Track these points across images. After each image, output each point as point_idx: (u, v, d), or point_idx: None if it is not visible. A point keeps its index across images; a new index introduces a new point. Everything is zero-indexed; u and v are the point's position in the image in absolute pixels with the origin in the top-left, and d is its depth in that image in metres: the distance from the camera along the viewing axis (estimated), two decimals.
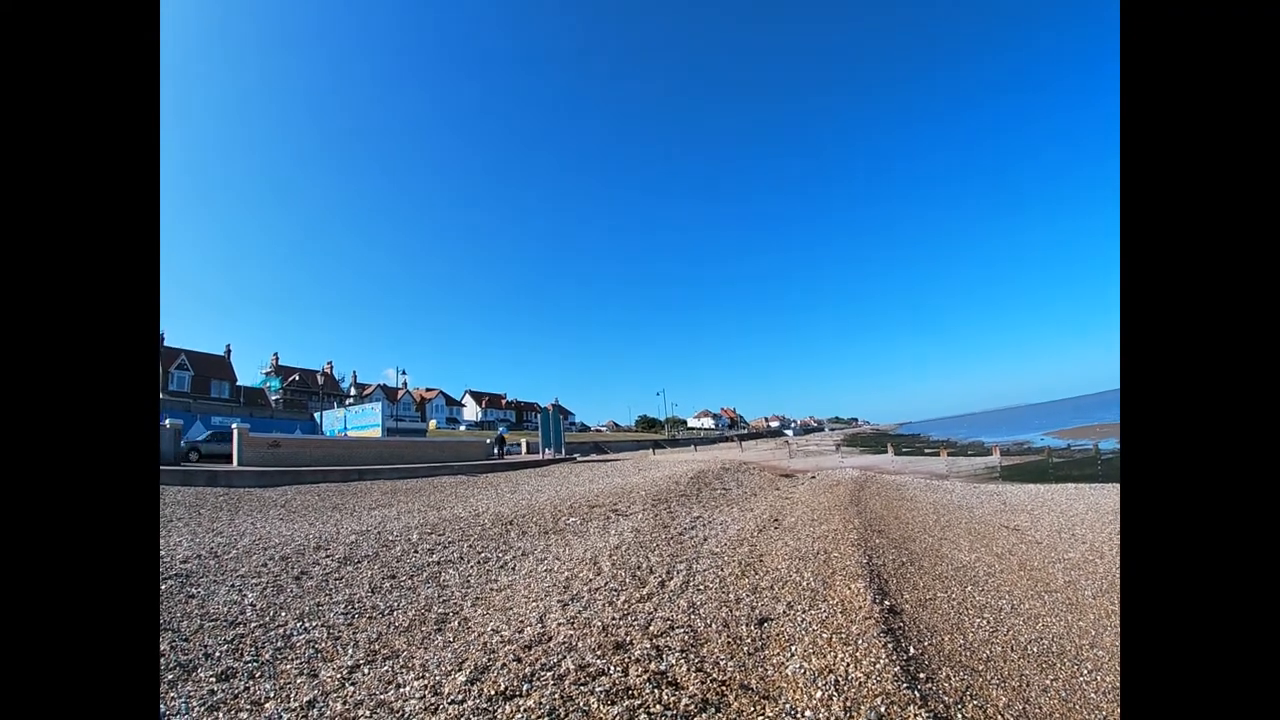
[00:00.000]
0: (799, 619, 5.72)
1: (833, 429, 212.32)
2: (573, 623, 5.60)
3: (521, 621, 5.71)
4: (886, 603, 6.18)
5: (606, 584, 6.95)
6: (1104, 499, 15.59)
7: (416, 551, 8.83)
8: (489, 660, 4.76)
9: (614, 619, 5.69)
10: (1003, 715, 4.30)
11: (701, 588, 6.84)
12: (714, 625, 5.57)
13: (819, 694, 4.21)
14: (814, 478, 21.51)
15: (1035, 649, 5.60)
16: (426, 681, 4.43)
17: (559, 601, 6.31)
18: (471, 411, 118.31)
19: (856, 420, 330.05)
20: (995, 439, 59.96)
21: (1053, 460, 25.36)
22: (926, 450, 41.68)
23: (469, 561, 8.37)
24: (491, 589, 7.06)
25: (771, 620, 5.72)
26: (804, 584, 6.89)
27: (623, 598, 6.41)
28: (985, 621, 6.19)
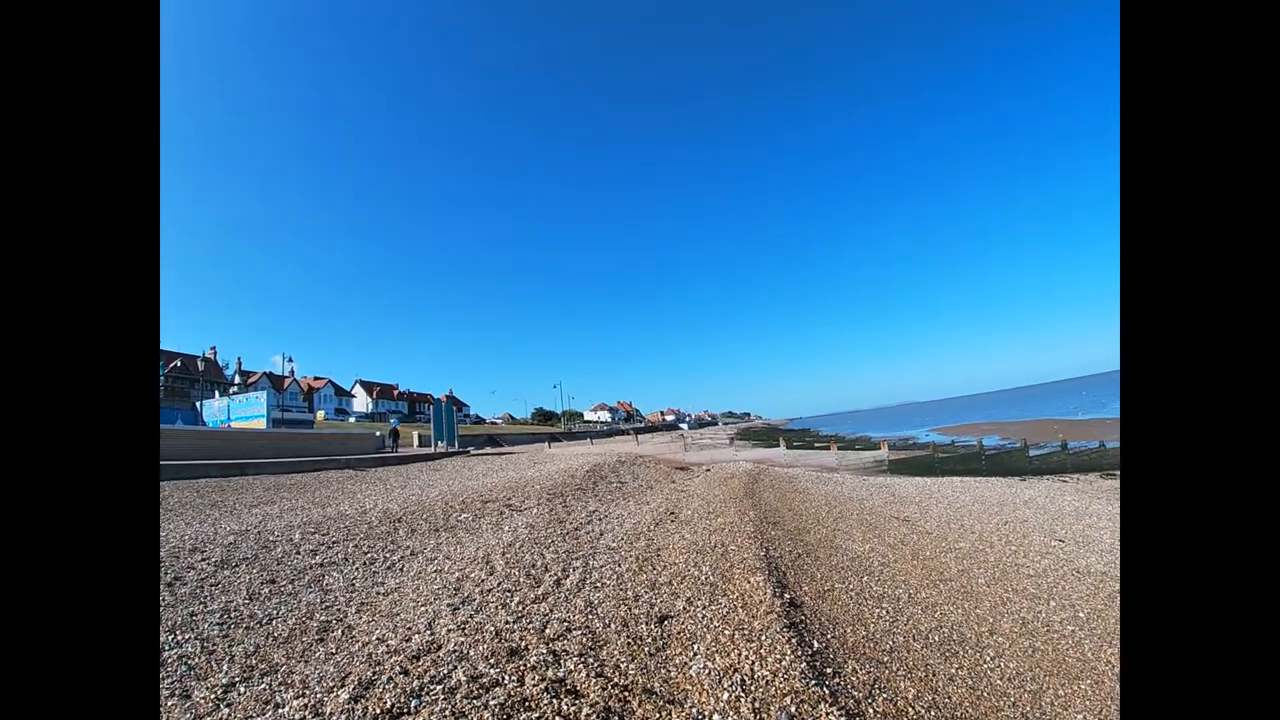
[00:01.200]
0: (700, 615, 5.49)
1: (726, 423, 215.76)
2: (464, 628, 5.20)
3: (409, 628, 5.27)
4: (786, 596, 6.03)
5: (499, 584, 6.54)
6: (988, 492, 16.25)
7: (299, 553, 8.15)
8: (374, 674, 4.29)
9: (508, 622, 5.32)
10: (913, 707, 4.18)
11: (599, 585, 6.53)
12: (613, 625, 5.27)
13: (726, 695, 3.96)
14: (709, 470, 21.54)
15: (936, 638, 5.59)
16: (307, 700, 3.92)
17: (449, 605, 5.89)
18: (362, 402, 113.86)
19: (749, 415, 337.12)
20: (882, 434, 62.25)
21: (938, 455, 26.29)
22: (817, 444, 42.75)
23: (354, 563, 7.79)
24: (378, 593, 6.56)
25: (672, 618, 5.46)
26: (703, 578, 6.69)
27: (517, 599, 6.03)
28: (885, 611, 6.16)
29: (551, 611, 5.65)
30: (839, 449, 32.74)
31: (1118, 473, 22.51)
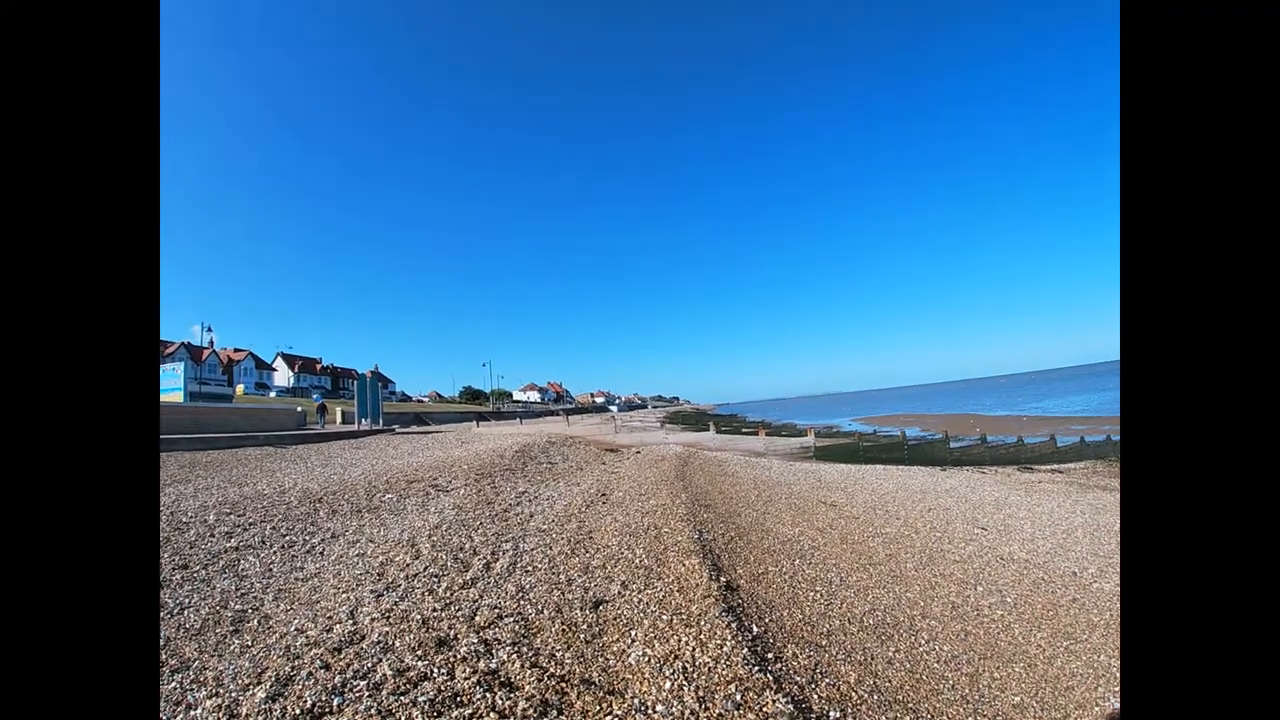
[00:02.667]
0: (636, 600, 5.33)
1: (656, 406, 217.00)
2: (389, 617, 4.92)
3: (331, 618, 4.95)
4: (723, 579, 5.93)
5: (426, 569, 6.25)
6: (911, 480, 16.58)
7: (213, 535, 7.66)
8: (293, 669, 3.95)
9: (435, 610, 5.05)
10: (856, 691, 4.11)
11: (530, 569, 6.30)
12: (546, 611, 5.05)
13: (668, 684, 3.79)
14: (639, 453, 21.44)
15: (871, 621, 5.58)
16: (221, 700, 3.57)
17: (372, 592, 5.58)
18: (283, 376, 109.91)
19: (678, 399, 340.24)
20: (808, 421, 63.37)
21: (862, 444, 26.81)
22: (744, 429, 43.20)
23: (272, 546, 7.36)
24: (297, 579, 6.18)
25: (607, 602, 5.27)
26: (637, 561, 6.54)
27: (444, 584, 5.76)
28: (819, 595, 6.13)
29: (481, 597, 5.43)
30: (767, 435, 33.09)
31: (1035, 466, 23.36)
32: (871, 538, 9.08)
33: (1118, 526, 10.65)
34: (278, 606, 5.40)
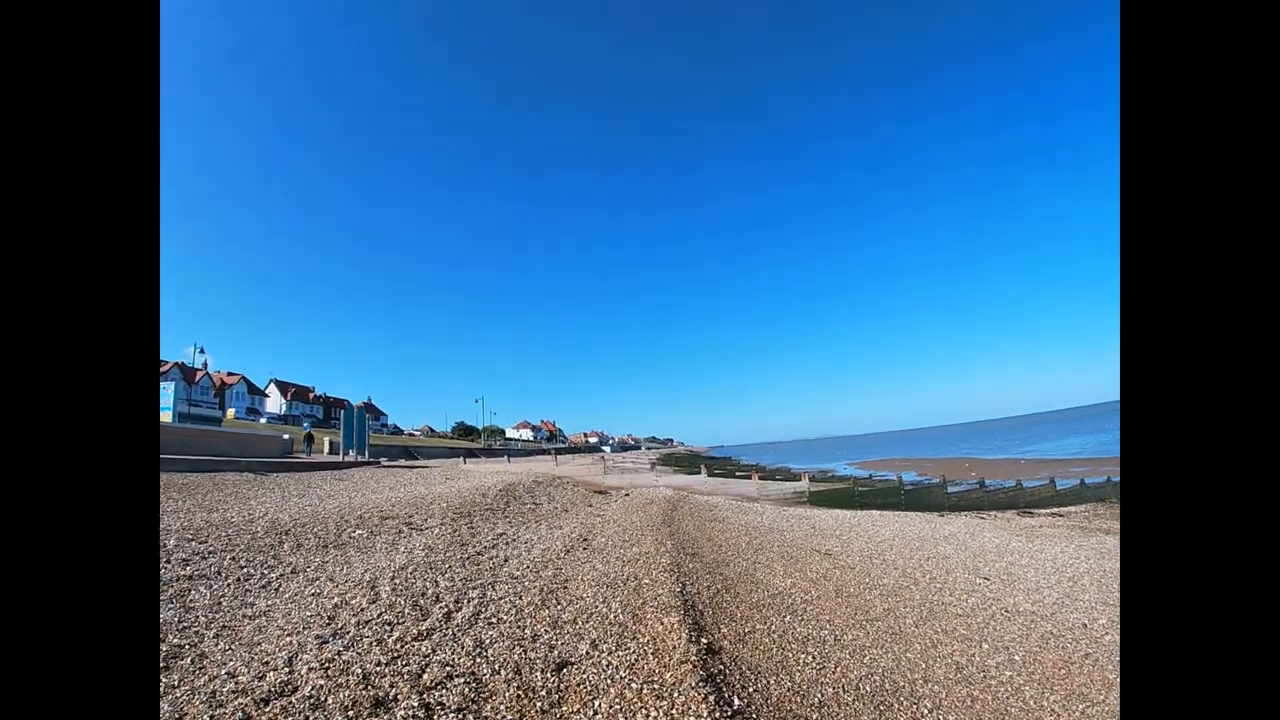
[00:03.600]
0: (604, 662, 4.76)
1: (649, 448, 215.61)
2: (328, 668, 4.37)
3: (266, 663, 4.42)
4: (704, 640, 5.36)
5: (380, 615, 5.68)
6: (908, 526, 16.04)
7: (169, 562, 7.10)
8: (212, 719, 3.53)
9: (380, 663, 4.50)
10: None
11: (493, 621, 5.72)
12: (504, 672, 4.48)
13: None
14: (628, 495, 20.87)
15: (868, 687, 5.06)
16: None
17: (317, 637, 5.04)
18: (275, 403, 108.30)
19: (672, 441, 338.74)
20: (802, 465, 62.70)
21: (858, 488, 26.23)
22: (738, 473, 42.54)
23: (227, 578, 6.82)
24: (244, 615, 5.64)
25: (573, 664, 4.70)
26: (611, 617, 5.97)
27: (396, 634, 5.20)
28: (810, 657, 5.57)
29: (434, 652, 4.87)
30: (760, 479, 32.48)
31: (1035, 510, 22.83)
32: (868, 589, 8.55)
33: None
34: (216, 645, 4.92)
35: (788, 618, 6.77)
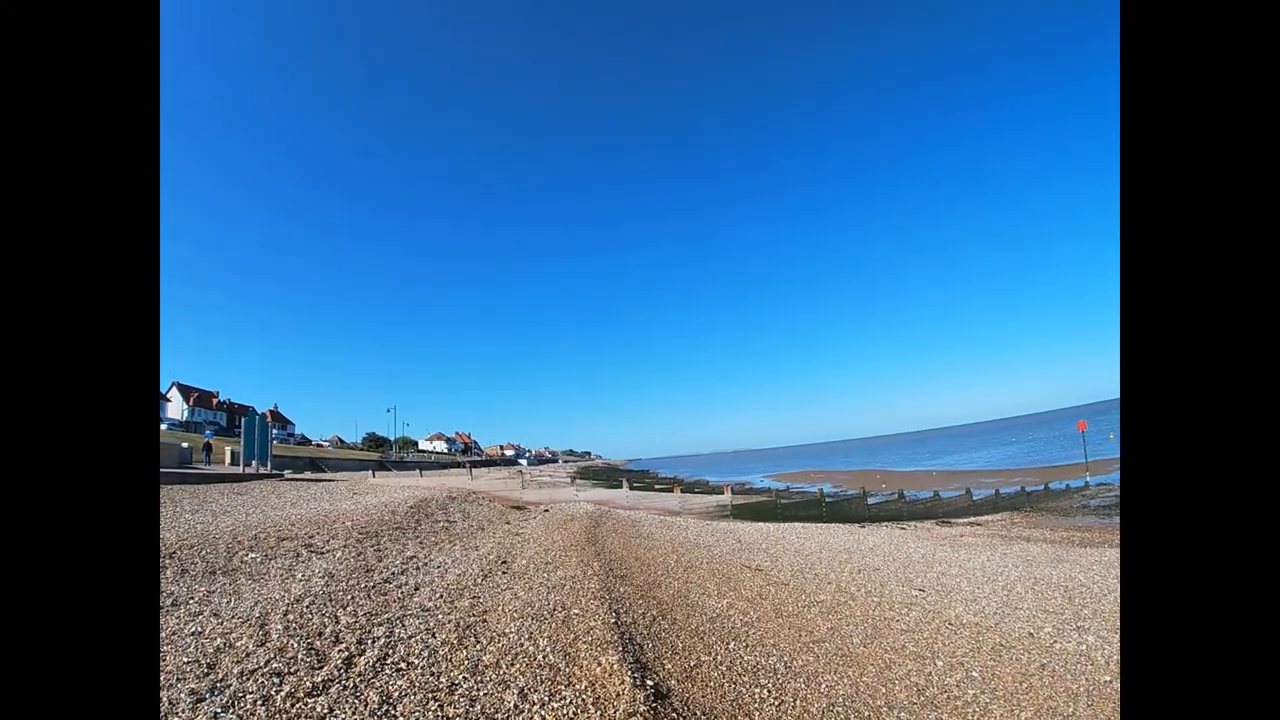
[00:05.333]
0: (537, 718, 4.08)
1: (567, 461, 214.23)
2: None
3: None
4: (649, 682, 4.67)
5: (269, 662, 4.75)
6: (833, 538, 15.84)
7: None
8: None
9: None
10: None
11: (403, 667, 4.87)
12: None
13: None
14: (548, 511, 20.01)
15: None
16: None
17: (191, 693, 4.14)
18: (176, 408, 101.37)
19: (590, 454, 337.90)
20: (720, 478, 62.79)
21: (780, 501, 26.10)
22: (659, 486, 42.16)
23: None
24: None
25: None
26: (540, 657, 5.20)
27: (287, 687, 4.31)
28: (766, 691, 5.03)
29: (331, 711, 4.02)
30: (682, 492, 32.11)
31: (953, 520, 23.06)
32: (807, 608, 8.14)
33: (1056, 579, 10.48)
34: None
35: (732, 644, 6.20)
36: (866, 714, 4.76)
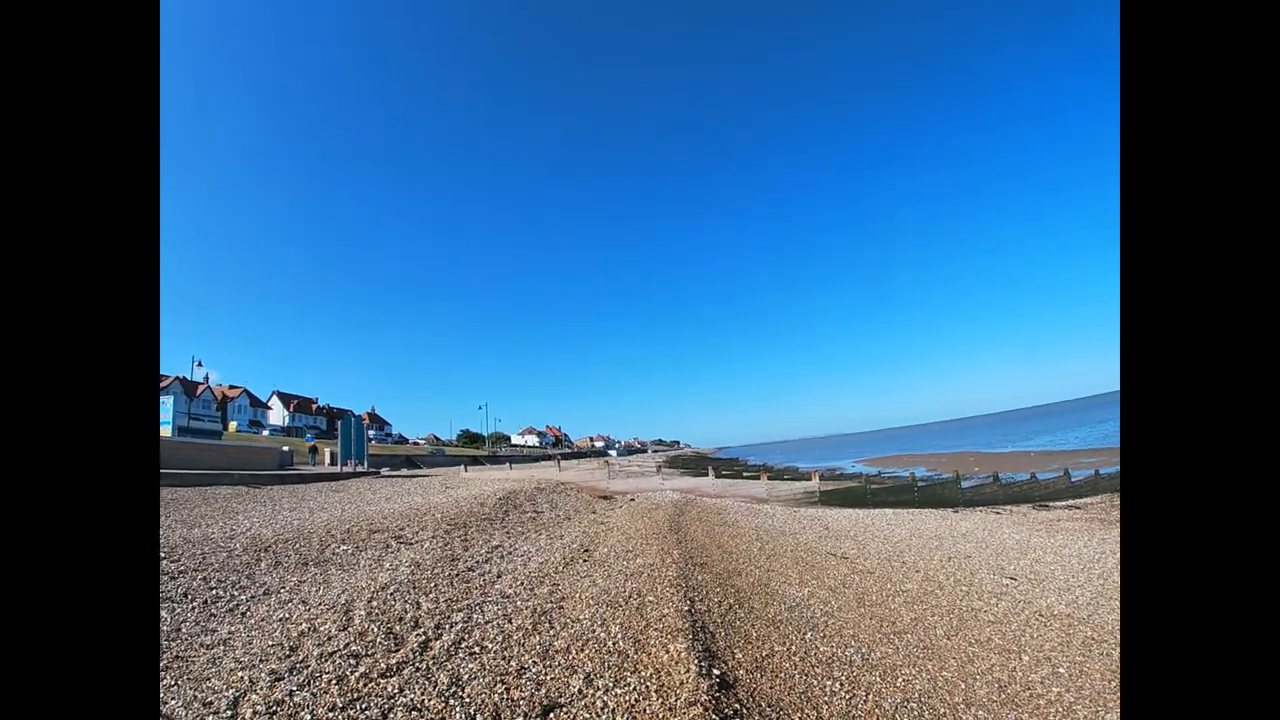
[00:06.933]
0: (598, 703, 4.10)
1: (655, 451, 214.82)
2: (274, 712, 3.77)
3: (208, 704, 3.86)
4: (715, 671, 4.69)
5: (348, 645, 5.03)
6: (924, 524, 15.38)
7: None
8: None
9: (334, 707, 3.85)
10: None
11: (476, 650, 5.07)
12: (479, 717, 3.83)
13: None
14: (633, 500, 20.21)
15: (905, 717, 4.43)
16: None
17: (271, 673, 4.40)
18: (278, 415, 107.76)
19: (678, 443, 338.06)
20: (810, 464, 61.87)
21: (870, 486, 25.48)
22: (745, 474, 41.86)
23: (194, 600, 6.20)
24: (201, 644, 5.01)
25: (561, 706, 4.01)
26: (610, 643, 5.30)
27: (362, 668, 4.54)
28: (838, 684, 4.92)
29: (402, 691, 4.21)
30: (769, 479, 31.77)
31: (1050, 504, 22.11)
32: (892, 597, 7.92)
33: None
34: (161, 680, 4.34)
35: (808, 634, 6.12)
36: (942, 711, 4.60)
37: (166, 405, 37.78)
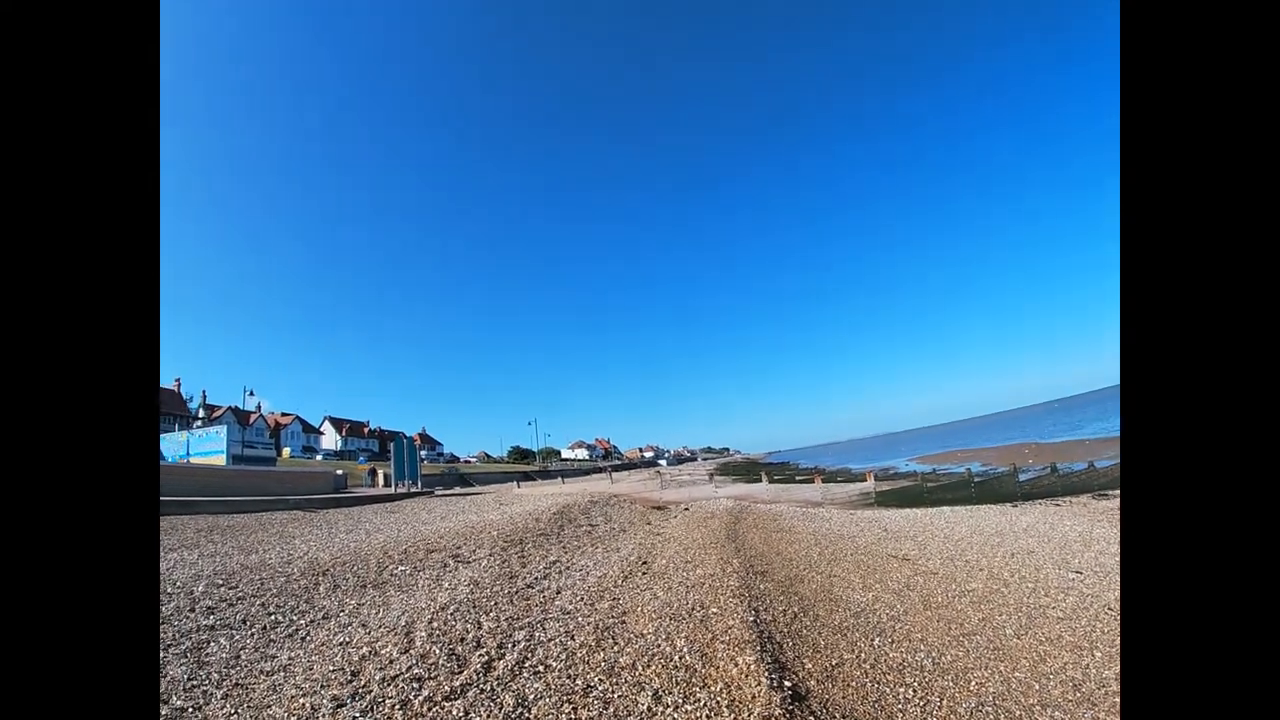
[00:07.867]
0: None
1: (705, 458, 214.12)
2: None
3: None
4: (787, 683, 4.64)
5: (410, 668, 5.07)
6: (983, 521, 15.09)
7: (194, 610, 6.64)
8: None
9: None
10: None
11: (540, 669, 5.08)
12: None
13: None
14: (687, 509, 20.14)
15: None
16: None
17: (334, 699, 4.45)
18: (330, 440, 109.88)
19: (728, 450, 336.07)
20: (863, 465, 61.03)
21: (927, 484, 25.05)
22: (799, 477, 41.51)
23: (253, 626, 6.31)
24: (261, 672, 5.08)
25: None
26: (677, 658, 5.26)
27: (425, 692, 4.57)
28: (911, 691, 4.85)
29: (467, 715, 4.24)
30: (823, 482, 31.46)
31: (1111, 493, 21.53)
32: (957, 598, 7.78)
33: None
34: (222, 708, 4.40)
35: (876, 640, 6.03)
36: (1018, 713, 4.51)
37: (220, 434, 38.81)
